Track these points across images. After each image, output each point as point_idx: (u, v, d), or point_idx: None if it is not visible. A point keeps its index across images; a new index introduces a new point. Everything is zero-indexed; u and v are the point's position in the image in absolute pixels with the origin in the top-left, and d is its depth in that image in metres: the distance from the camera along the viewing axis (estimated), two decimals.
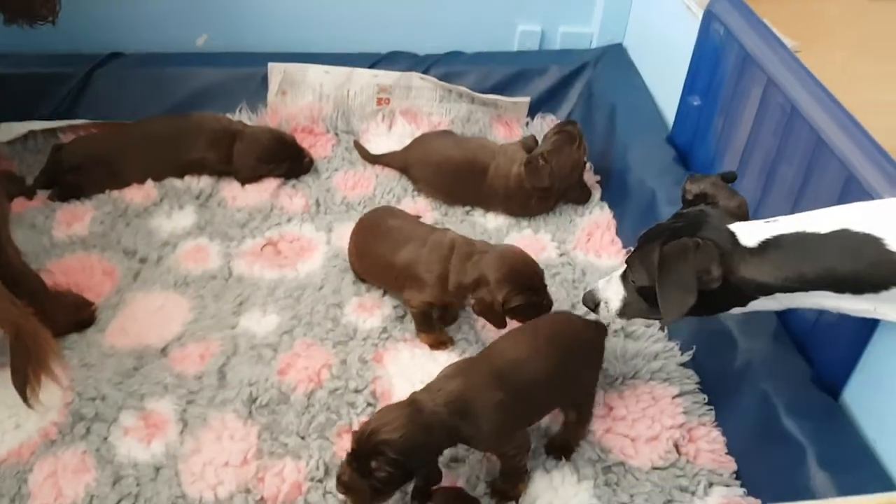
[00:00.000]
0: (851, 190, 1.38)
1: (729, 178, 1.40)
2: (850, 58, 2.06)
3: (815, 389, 1.45)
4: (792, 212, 1.53)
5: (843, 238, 1.15)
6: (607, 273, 1.91)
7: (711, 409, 1.62)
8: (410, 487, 1.42)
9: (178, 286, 1.87)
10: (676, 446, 1.56)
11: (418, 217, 1.96)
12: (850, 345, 1.40)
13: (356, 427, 1.56)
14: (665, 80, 2.20)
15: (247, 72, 2.42)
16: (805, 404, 1.44)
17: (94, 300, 1.81)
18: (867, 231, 1.14)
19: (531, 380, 1.40)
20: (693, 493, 1.48)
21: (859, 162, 1.38)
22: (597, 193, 2.19)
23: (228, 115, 2.33)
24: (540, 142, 2.16)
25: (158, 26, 2.40)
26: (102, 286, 1.86)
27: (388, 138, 2.36)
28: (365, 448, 1.29)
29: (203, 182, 2.17)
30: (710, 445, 1.55)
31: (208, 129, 2.19)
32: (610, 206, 2.14)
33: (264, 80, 2.41)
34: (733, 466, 1.53)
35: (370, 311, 1.81)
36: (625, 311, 1.42)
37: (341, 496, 1.41)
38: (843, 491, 1.29)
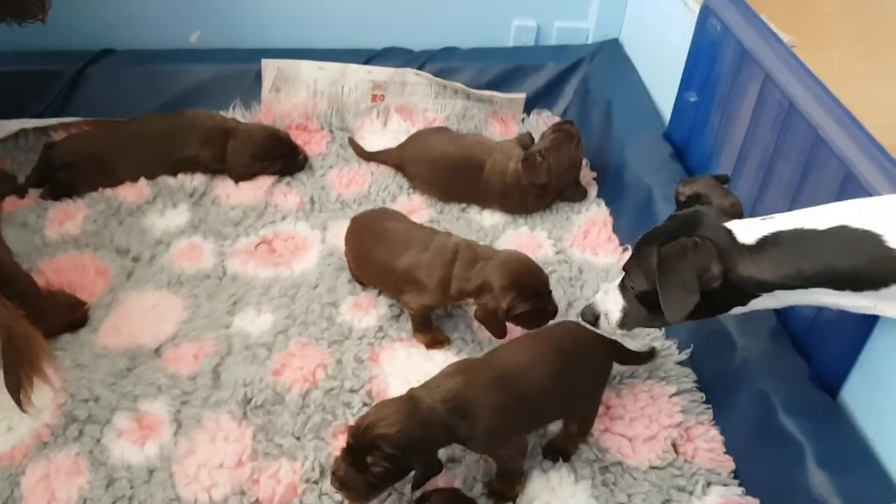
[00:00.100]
0: (849, 187, 1.37)
1: (722, 181, 1.39)
2: (847, 54, 2.05)
3: (814, 388, 1.45)
4: (790, 209, 1.52)
5: (842, 235, 1.15)
6: (604, 271, 1.93)
7: (709, 408, 1.61)
8: (407, 488, 1.41)
9: (172, 285, 1.86)
10: (674, 445, 1.55)
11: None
12: (849, 342, 1.39)
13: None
14: (661, 76, 2.19)
15: (240, 68, 2.40)
16: (803, 403, 1.43)
17: (87, 300, 1.79)
18: (866, 228, 1.13)
19: (534, 387, 1.38)
20: (691, 493, 1.47)
21: (857, 159, 1.37)
22: (593, 190, 2.17)
23: (222, 113, 2.32)
24: (536, 139, 2.15)
25: (151, 22, 2.39)
26: (95, 285, 1.84)
27: (383, 135, 2.35)
28: (361, 442, 1.28)
29: (196, 180, 2.16)
30: (708, 444, 1.55)
31: (202, 126, 2.18)
32: (606, 203, 2.13)
33: (258, 77, 2.40)
34: (731, 465, 1.52)
35: (366, 310, 1.80)
36: (626, 322, 1.40)
37: (337, 496, 1.40)
38: (842, 490, 1.28)
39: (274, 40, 2.43)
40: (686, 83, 1.97)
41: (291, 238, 2.00)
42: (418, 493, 1.40)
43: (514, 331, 1.64)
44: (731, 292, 1.24)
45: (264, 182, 2.16)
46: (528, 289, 1.59)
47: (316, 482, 1.47)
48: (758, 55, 1.67)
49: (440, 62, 2.43)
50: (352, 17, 2.44)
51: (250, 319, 1.77)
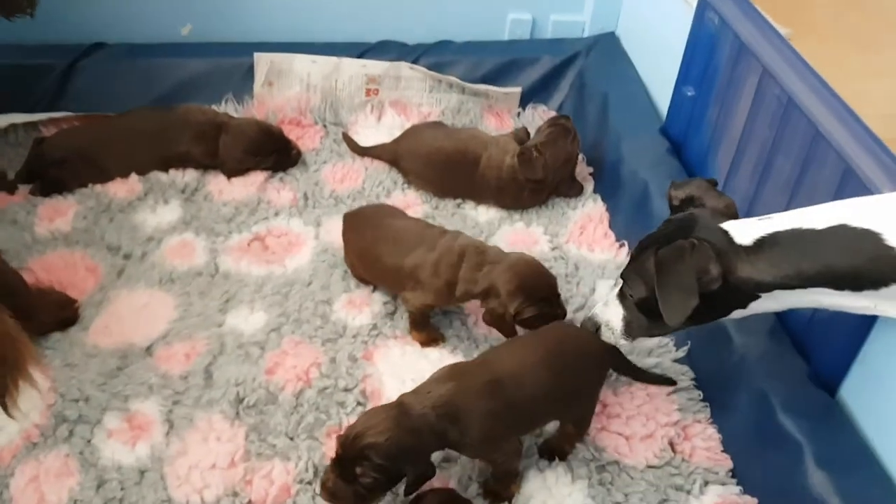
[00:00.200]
0: (849, 182, 1.36)
1: (711, 184, 1.37)
2: (842, 46, 2.03)
3: (812, 386, 1.43)
4: (788, 205, 1.51)
5: (841, 234, 1.13)
6: (600, 267, 1.91)
7: (707, 406, 1.59)
8: (402, 489, 1.39)
9: (164, 283, 1.83)
10: (671, 444, 1.54)
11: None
12: (848, 341, 1.38)
13: (345, 427, 1.53)
14: (658, 70, 2.17)
15: (233, 62, 2.38)
16: (802, 401, 1.42)
17: (78, 298, 1.77)
18: (865, 226, 1.12)
19: (528, 393, 1.36)
20: (689, 492, 1.46)
21: (857, 154, 1.36)
22: (589, 186, 2.16)
23: (214, 107, 2.30)
24: (532, 134, 2.13)
25: (142, 16, 2.36)
26: (86, 283, 1.82)
27: (377, 130, 2.33)
28: (350, 452, 1.26)
29: (188, 176, 2.13)
30: (705, 443, 1.53)
31: (193, 121, 2.15)
32: (603, 199, 2.11)
33: (250, 71, 2.37)
34: (729, 464, 1.51)
35: (359, 307, 1.78)
36: (628, 331, 1.38)
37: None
38: (842, 489, 1.27)
39: (266, 33, 2.40)
40: (683, 77, 1.95)
41: (285, 234, 1.98)
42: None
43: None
44: (730, 294, 1.23)
45: (257, 178, 2.14)
46: (536, 293, 1.58)
47: (309, 483, 1.45)
48: (756, 49, 1.65)
49: (435, 56, 2.41)
50: (345, 9, 2.41)
51: (243, 317, 1.75)
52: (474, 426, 1.31)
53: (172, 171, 2.13)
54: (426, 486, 1.39)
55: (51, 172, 2.07)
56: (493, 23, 2.49)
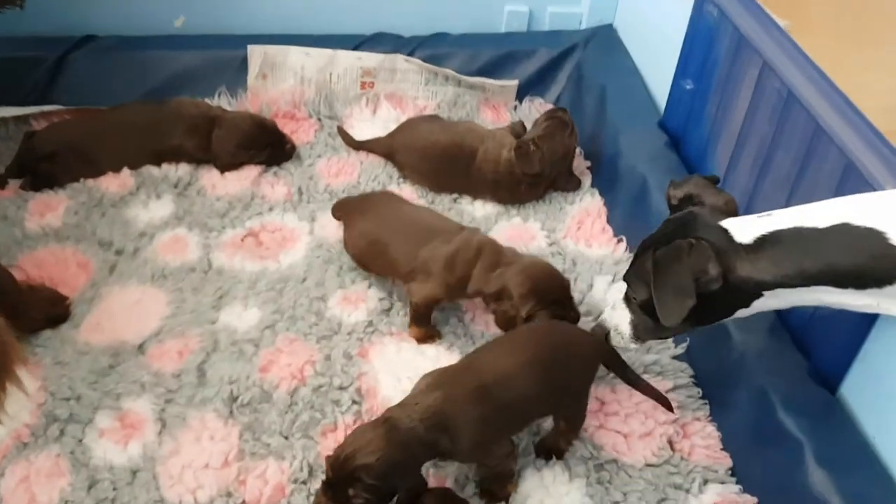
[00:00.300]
0: (851, 177, 1.34)
1: (713, 182, 1.35)
2: (840, 39, 2.02)
3: (813, 384, 1.42)
4: (788, 200, 1.50)
5: (844, 232, 1.12)
6: (598, 262, 1.90)
7: (706, 404, 1.58)
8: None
9: (156, 279, 1.81)
10: (670, 442, 1.52)
11: None
12: (849, 338, 1.36)
13: (340, 426, 1.52)
14: (657, 63, 2.15)
15: (226, 54, 2.35)
16: (802, 399, 1.40)
17: (69, 294, 1.74)
18: (868, 225, 1.10)
19: (518, 394, 1.34)
20: (688, 491, 1.45)
21: (858, 149, 1.34)
22: (587, 180, 2.14)
23: (207, 100, 2.27)
24: (529, 127, 2.10)
25: (134, 8, 2.33)
26: (77, 280, 1.79)
27: (372, 123, 2.30)
28: (341, 474, 1.23)
29: (181, 170, 2.11)
30: (704, 441, 1.52)
31: (186, 114, 2.13)
32: (600, 193, 2.09)
33: (244, 63, 2.35)
34: (729, 463, 1.50)
35: (355, 304, 1.76)
36: (638, 335, 1.37)
37: None
38: (842, 488, 1.26)
39: (261, 25, 2.38)
40: (682, 70, 1.93)
41: (279, 230, 1.96)
42: None
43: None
44: (731, 294, 1.21)
45: (251, 172, 2.11)
46: (548, 296, 1.56)
47: (304, 482, 1.43)
48: (756, 42, 1.63)
49: (431, 48, 2.38)
50: (340, 1, 2.39)
51: (237, 314, 1.73)
52: (465, 434, 1.29)
53: (165, 166, 2.11)
54: None
55: (41, 167, 2.04)
56: (490, 15, 2.46)
